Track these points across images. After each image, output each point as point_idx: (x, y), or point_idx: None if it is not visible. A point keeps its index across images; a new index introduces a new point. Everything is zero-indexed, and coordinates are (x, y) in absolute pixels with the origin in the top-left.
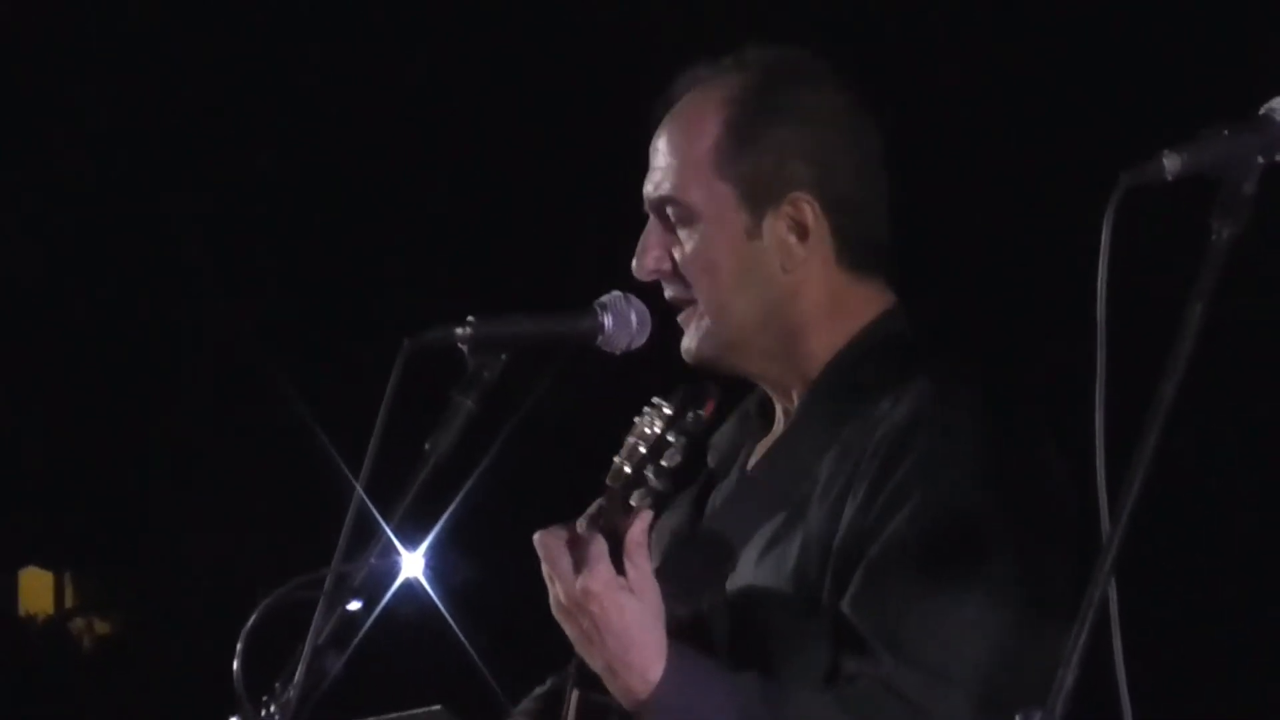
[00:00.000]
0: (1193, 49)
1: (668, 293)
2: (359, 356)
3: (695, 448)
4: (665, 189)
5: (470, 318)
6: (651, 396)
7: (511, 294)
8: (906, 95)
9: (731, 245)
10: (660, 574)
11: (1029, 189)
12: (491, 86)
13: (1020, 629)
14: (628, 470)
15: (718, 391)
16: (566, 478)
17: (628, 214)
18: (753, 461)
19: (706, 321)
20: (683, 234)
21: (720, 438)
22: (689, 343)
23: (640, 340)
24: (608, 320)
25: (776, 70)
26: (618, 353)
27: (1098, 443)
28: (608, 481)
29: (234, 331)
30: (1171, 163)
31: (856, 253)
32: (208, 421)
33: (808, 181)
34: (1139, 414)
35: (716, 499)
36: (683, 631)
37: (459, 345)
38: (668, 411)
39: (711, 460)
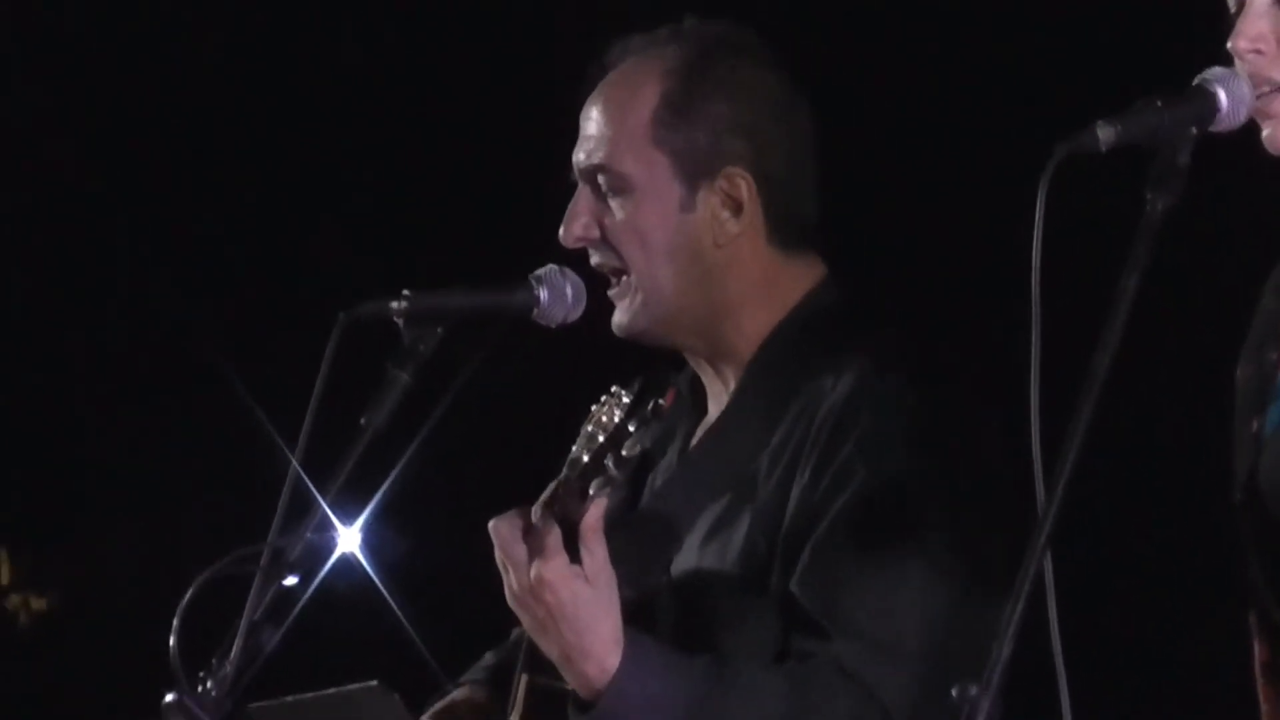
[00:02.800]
0: (1129, 20)
1: (594, 259)
2: (294, 330)
3: (655, 436)
4: (598, 157)
5: (406, 291)
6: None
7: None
8: (836, 67)
9: (664, 217)
10: None
11: (962, 160)
12: (423, 58)
13: (964, 603)
14: (586, 459)
15: (678, 379)
16: (503, 452)
17: (565, 187)
18: (694, 443)
19: (640, 296)
20: (614, 203)
21: None
22: (621, 318)
23: (576, 314)
24: (543, 293)
25: (714, 44)
26: (554, 326)
27: (1033, 415)
28: (565, 471)
29: (168, 307)
30: (1105, 134)
31: (787, 230)
32: (143, 397)
33: (744, 157)
34: (1074, 387)
35: (655, 480)
36: (628, 615)
37: (394, 319)
38: (627, 400)
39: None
